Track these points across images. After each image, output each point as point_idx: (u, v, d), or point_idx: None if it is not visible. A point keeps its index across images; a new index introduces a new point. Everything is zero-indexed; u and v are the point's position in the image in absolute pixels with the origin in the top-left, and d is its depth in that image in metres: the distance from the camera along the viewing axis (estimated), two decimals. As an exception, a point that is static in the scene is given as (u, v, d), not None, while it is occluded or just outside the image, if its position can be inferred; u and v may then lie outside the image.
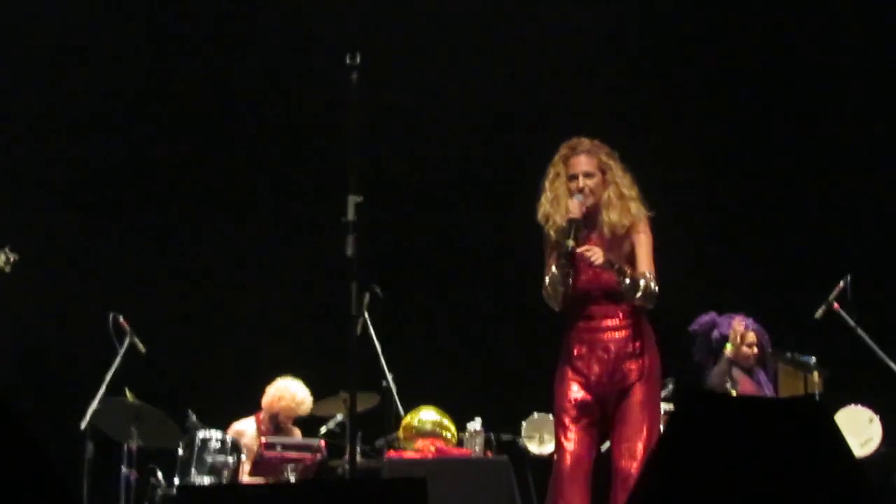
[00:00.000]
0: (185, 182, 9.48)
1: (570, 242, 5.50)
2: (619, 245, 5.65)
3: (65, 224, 9.14)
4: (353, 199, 5.34)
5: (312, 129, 9.34)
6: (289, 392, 8.02)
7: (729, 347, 7.38)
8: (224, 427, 7.89)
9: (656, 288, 5.58)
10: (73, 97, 9.21)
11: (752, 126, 9.40)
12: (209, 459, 7.37)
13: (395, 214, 9.21)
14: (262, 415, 8.18)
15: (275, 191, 9.60)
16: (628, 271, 5.54)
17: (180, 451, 7.46)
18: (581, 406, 5.61)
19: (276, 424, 8.07)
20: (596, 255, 5.49)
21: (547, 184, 5.79)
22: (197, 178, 9.49)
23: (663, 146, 8.79)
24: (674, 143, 9.03)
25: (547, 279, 5.64)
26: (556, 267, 5.60)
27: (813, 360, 7.42)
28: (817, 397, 7.22)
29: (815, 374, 7.37)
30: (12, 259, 7.32)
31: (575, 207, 5.59)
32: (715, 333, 7.52)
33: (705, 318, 7.63)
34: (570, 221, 5.56)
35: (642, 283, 5.55)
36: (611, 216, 5.66)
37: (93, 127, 9.34)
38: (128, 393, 7.54)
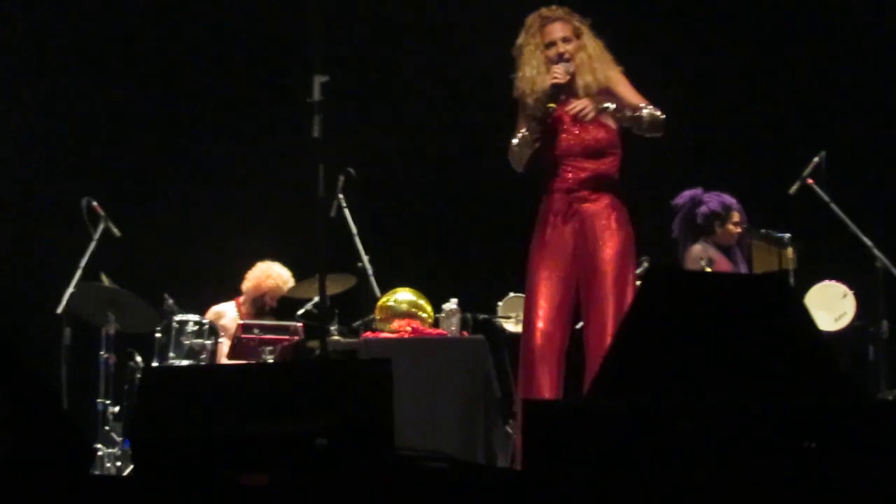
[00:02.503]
0: (152, 68, 9.34)
1: (552, 105, 5.51)
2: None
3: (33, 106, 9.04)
4: (318, 79, 5.29)
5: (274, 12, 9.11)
6: (274, 271, 8.26)
7: (718, 226, 7.26)
8: (201, 311, 7.93)
9: (659, 113, 5.59)
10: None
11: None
12: (186, 343, 7.42)
13: (366, 98, 9.14)
14: (242, 298, 8.29)
15: (241, 75, 9.40)
16: (624, 107, 5.56)
17: (158, 335, 7.49)
18: (553, 282, 5.57)
19: (259, 307, 8.20)
20: (587, 108, 5.50)
21: (524, 57, 5.75)
22: (160, 61, 9.34)
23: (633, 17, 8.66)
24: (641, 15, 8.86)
25: (514, 140, 5.64)
26: (528, 130, 5.61)
27: (787, 236, 7.42)
28: (791, 273, 7.26)
29: (790, 250, 7.37)
30: None
31: (560, 72, 5.59)
32: (702, 209, 7.30)
33: (690, 192, 7.42)
34: (555, 86, 5.56)
35: (645, 112, 5.56)
36: (586, 78, 5.66)
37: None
38: (104, 277, 7.55)
